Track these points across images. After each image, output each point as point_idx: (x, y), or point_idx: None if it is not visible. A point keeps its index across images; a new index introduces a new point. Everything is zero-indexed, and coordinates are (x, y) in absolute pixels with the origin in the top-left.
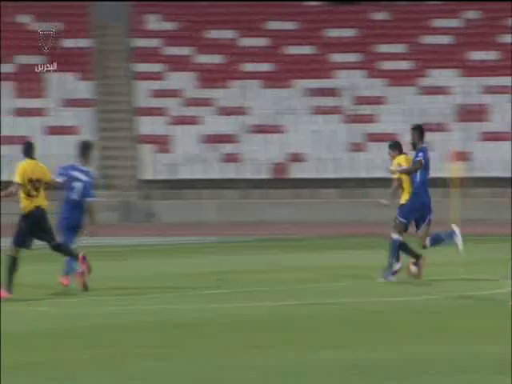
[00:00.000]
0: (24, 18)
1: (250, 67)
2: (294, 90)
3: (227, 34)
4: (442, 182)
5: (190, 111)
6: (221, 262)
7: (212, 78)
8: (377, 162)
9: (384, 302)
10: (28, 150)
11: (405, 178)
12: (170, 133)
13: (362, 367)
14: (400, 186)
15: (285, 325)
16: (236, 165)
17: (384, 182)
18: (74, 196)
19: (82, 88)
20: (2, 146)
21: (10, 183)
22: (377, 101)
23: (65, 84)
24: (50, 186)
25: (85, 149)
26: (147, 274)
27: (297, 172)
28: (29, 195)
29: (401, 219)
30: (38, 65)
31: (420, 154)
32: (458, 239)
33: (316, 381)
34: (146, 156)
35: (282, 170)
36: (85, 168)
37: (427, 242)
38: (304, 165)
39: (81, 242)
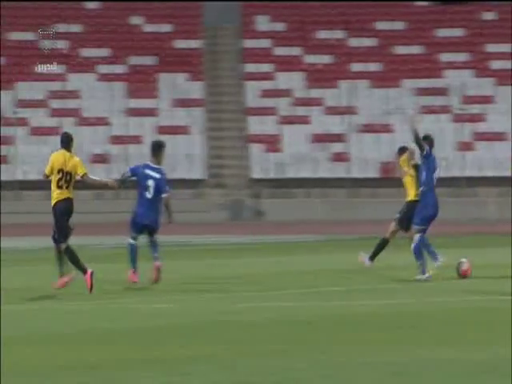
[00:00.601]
0: (136, 20)
1: (358, 67)
2: (402, 89)
3: (336, 34)
4: None
5: (299, 111)
6: (330, 260)
7: (321, 77)
8: (485, 161)
9: (502, 300)
10: (64, 142)
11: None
12: (279, 132)
13: (482, 365)
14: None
15: (399, 323)
16: (344, 164)
17: (493, 181)
18: (148, 195)
19: (193, 88)
20: (113, 146)
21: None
22: (485, 100)
23: (176, 84)
24: (86, 180)
25: (157, 148)
26: (259, 271)
27: None
28: (58, 186)
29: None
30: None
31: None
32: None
33: (434, 379)
34: (256, 155)
35: (391, 168)
36: (157, 166)
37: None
38: None
39: (190, 242)
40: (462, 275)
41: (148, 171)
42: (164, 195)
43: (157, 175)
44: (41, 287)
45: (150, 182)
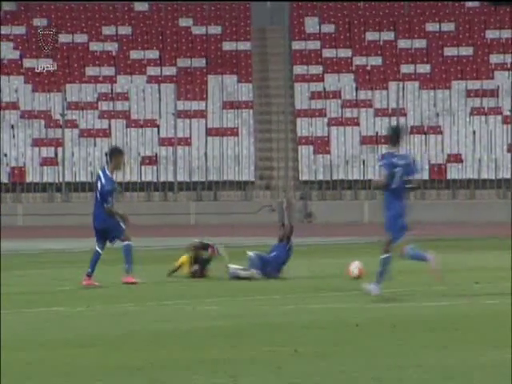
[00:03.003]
0: (185, 22)
1: (407, 68)
2: (452, 91)
3: (385, 36)
4: None
5: (348, 112)
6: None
7: (370, 79)
8: None
9: None
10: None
11: None
12: (327, 134)
13: None
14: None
15: (455, 325)
16: None
17: None
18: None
19: (242, 90)
20: (162, 148)
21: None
22: None
23: (225, 86)
24: None
25: (110, 154)
26: (307, 273)
27: (455, 173)
28: None
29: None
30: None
31: (381, 163)
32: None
33: (484, 382)
34: (304, 157)
35: (440, 170)
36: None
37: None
38: (462, 166)
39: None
40: (357, 277)
41: (101, 176)
42: (106, 205)
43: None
44: (87, 288)
45: (98, 186)
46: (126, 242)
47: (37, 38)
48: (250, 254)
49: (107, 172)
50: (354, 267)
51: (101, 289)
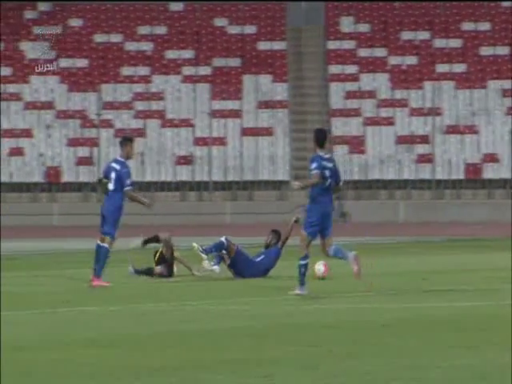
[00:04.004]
0: (220, 21)
1: (443, 68)
2: (488, 90)
3: (421, 35)
4: None
5: (384, 112)
6: (415, 261)
7: (405, 78)
8: None
9: None
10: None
11: None
12: (363, 133)
13: None
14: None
15: (483, 325)
16: (429, 165)
17: None
18: (111, 187)
19: (277, 90)
20: (197, 147)
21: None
22: None
23: (260, 86)
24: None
25: (122, 142)
26: (340, 272)
27: (491, 172)
28: None
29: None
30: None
31: (313, 165)
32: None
33: None
34: (340, 156)
35: (476, 170)
36: (122, 159)
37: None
38: (498, 165)
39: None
40: (322, 277)
41: (113, 164)
42: (126, 189)
43: (118, 167)
44: (115, 288)
45: (113, 175)
46: (105, 244)
47: (72, 38)
48: (222, 238)
49: (119, 159)
50: (319, 267)
51: (125, 289)
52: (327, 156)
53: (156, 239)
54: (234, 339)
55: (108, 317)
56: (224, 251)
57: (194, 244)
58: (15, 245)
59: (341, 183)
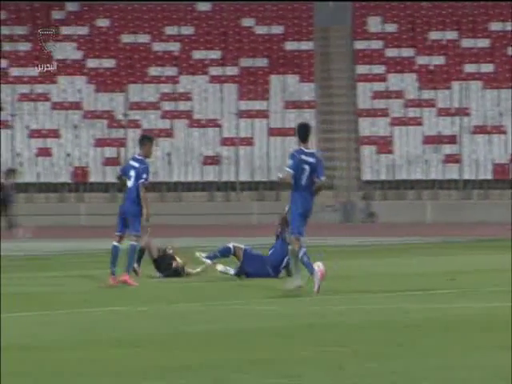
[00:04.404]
0: (247, 22)
1: (471, 68)
2: None
3: (449, 35)
4: None
5: (411, 112)
6: (443, 262)
7: (433, 79)
8: None
9: None
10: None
11: None
12: (390, 134)
13: None
14: None
15: (508, 325)
16: (456, 165)
17: None
18: (129, 184)
19: (304, 90)
20: (224, 148)
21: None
22: None
23: (287, 86)
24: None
25: (141, 141)
26: (368, 273)
27: None
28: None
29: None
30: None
31: (288, 162)
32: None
33: None
34: (367, 157)
35: (504, 170)
36: (140, 157)
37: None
38: None
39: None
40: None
41: (132, 162)
42: (140, 181)
43: (136, 164)
44: (145, 289)
45: (132, 172)
46: (133, 243)
47: (100, 39)
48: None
49: (138, 157)
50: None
51: (151, 289)
52: (309, 150)
53: (165, 255)
54: (261, 339)
55: (135, 317)
56: (232, 256)
57: (197, 254)
58: (44, 245)
59: (322, 178)
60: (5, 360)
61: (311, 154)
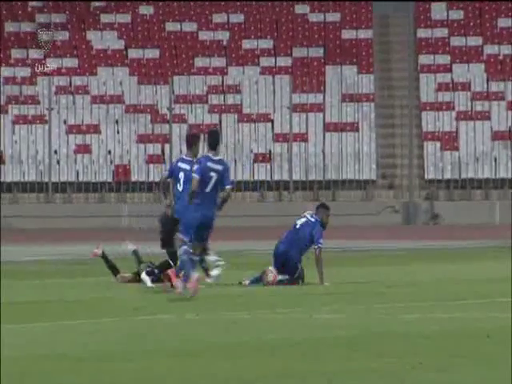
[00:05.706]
0: (301, 8)
1: None
2: None
3: None
4: None
5: (479, 106)
6: (509, 267)
7: (502, 69)
8: None
9: None
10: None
11: None
12: (455, 129)
13: None
14: None
15: None
16: None
17: None
18: (179, 187)
19: (363, 82)
20: (276, 144)
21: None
22: None
23: (344, 78)
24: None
25: (190, 141)
26: (432, 279)
27: None
28: None
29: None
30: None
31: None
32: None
33: None
34: (430, 154)
35: None
36: (189, 158)
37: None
38: None
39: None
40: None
41: (180, 164)
42: (228, 187)
43: (188, 167)
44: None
45: (181, 175)
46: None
47: (142, 27)
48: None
49: (186, 158)
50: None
51: (208, 296)
52: (216, 158)
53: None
54: (322, 350)
55: (191, 325)
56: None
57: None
58: (83, 248)
59: (228, 187)
60: (59, 371)
61: (219, 162)
